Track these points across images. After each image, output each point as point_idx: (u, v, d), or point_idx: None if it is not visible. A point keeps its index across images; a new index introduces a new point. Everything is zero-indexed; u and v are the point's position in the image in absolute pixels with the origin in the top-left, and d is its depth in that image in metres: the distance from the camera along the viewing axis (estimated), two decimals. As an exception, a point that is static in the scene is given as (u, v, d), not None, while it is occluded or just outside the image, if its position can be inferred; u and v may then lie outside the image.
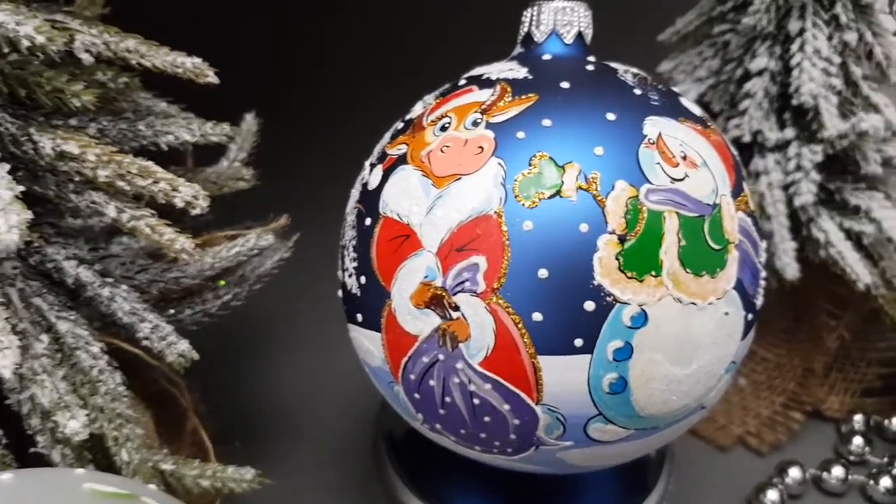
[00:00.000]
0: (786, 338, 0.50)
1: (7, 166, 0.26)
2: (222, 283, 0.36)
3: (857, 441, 0.46)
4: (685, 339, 0.27)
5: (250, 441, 0.38)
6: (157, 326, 0.32)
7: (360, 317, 0.30)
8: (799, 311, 0.49)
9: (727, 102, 0.45)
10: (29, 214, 0.25)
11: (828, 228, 0.43)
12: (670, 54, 0.48)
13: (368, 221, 0.29)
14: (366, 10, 0.60)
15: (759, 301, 0.31)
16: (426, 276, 0.27)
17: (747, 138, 0.43)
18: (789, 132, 0.43)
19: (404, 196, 0.28)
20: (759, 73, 0.43)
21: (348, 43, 0.59)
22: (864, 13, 0.42)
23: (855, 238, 0.44)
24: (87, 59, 0.29)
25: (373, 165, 0.31)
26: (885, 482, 0.44)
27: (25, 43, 0.26)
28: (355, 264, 0.30)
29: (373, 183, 0.30)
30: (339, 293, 0.33)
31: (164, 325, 0.32)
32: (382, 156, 0.31)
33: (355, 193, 0.32)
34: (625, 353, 0.26)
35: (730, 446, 0.47)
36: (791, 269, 0.43)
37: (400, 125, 0.32)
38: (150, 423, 0.34)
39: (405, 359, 0.29)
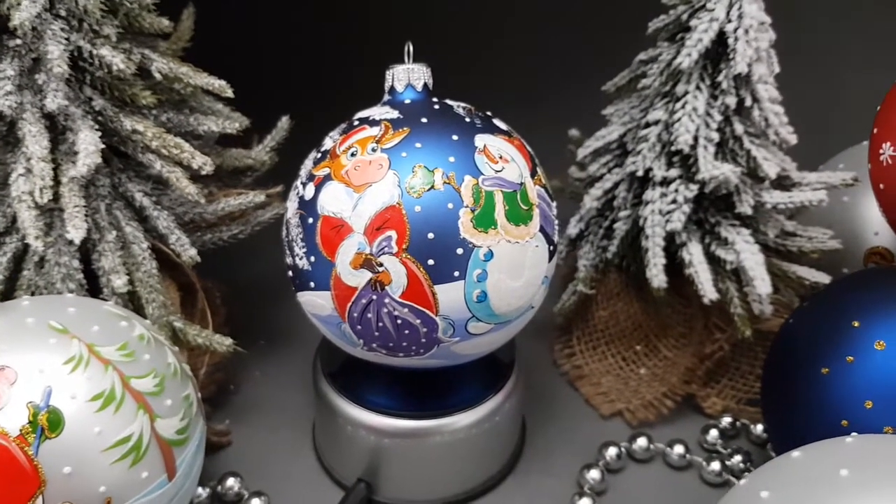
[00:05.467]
0: (683, 342, 0.59)
1: (99, 133, 0.47)
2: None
3: (713, 433, 0.55)
4: (516, 263, 0.41)
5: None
6: (179, 238, 0.51)
7: (312, 284, 0.42)
8: (693, 322, 0.58)
9: (635, 143, 0.56)
10: (98, 159, 0.45)
11: (693, 252, 0.53)
12: (613, 101, 0.60)
13: (311, 220, 0.42)
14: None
15: (556, 238, 0.45)
16: (358, 248, 0.40)
17: (640, 173, 0.54)
18: (674, 172, 0.53)
19: (335, 201, 0.41)
20: (655, 122, 0.54)
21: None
22: (746, 82, 0.51)
23: (722, 263, 0.53)
24: (158, 76, 0.49)
25: (304, 184, 0.43)
26: (715, 465, 0.52)
27: (114, 68, 0.46)
28: (304, 250, 0.42)
29: (308, 195, 0.42)
30: (289, 273, 0.45)
31: (184, 238, 0.51)
32: (311, 176, 0.43)
33: (293, 204, 0.44)
34: (483, 277, 0.40)
35: (608, 416, 0.58)
36: (658, 279, 0.53)
37: (318, 155, 0.44)
38: (177, 300, 0.54)
39: (349, 304, 0.41)
